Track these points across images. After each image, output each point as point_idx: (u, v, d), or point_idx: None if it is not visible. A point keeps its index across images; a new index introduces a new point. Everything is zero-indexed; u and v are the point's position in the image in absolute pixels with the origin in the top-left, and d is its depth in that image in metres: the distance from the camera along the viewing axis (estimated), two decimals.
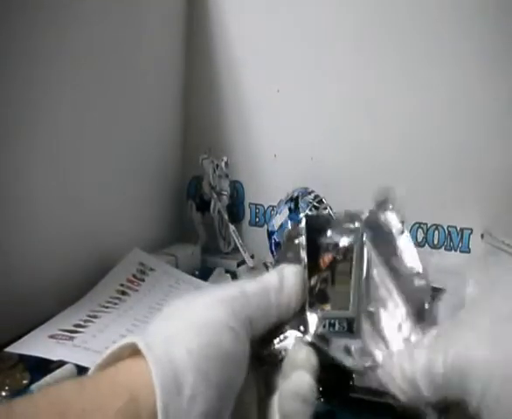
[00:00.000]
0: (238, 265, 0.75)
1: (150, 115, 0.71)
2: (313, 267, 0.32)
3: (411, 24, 0.75)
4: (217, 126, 0.85)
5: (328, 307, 0.31)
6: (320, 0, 0.79)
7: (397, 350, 0.28)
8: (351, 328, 0.30)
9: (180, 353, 0.23)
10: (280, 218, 0.75)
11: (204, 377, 0.23)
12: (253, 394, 0.28)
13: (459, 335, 0.24)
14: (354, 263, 0.32)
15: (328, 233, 0.34)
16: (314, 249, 0.33)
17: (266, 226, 0.80)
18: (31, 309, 0.46)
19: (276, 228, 0.75)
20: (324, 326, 0.30)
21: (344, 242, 0.33)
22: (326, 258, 0.33)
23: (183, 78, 0.84)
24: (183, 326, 0.25)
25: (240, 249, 0.76)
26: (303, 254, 0.33)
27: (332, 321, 0.30)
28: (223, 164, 0.79)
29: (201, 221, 0.80)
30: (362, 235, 0.33)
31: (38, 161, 0.47)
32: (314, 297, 0.31)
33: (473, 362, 0.23)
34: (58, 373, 0.37)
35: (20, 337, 0.41)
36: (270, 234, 0.77)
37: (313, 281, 0.32)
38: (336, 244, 0.33)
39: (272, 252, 0.76)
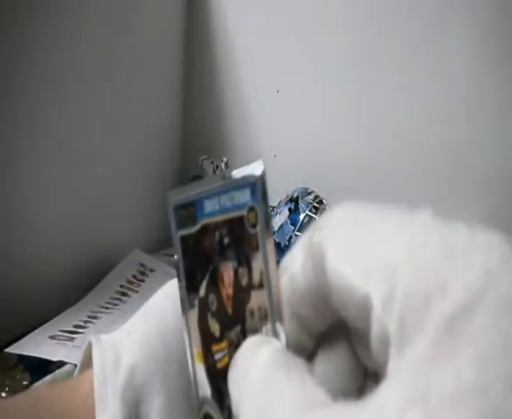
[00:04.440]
0: None
1: (150, 116, 0.71)
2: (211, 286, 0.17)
3: (411, 25, 0.75)
4: (217, 126, 0.85)
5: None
6: (320, 0, 0.79)
7: None
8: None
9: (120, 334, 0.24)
10: (280, 219, 0.75)
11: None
12: None
13: None
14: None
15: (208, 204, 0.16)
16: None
17: None
18: (31, 310, 0.46)
19: (276, 228, 0.75)
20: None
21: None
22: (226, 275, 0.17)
23: (182, 79, 0.84)
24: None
25: None
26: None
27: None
28: (223, 165, 0.79)
29: None
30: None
31: (39, 163, 0.48)
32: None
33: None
34: (57, 373, 0.37)
35: (20, 338, 0.41)
36: None
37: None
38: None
39: None
